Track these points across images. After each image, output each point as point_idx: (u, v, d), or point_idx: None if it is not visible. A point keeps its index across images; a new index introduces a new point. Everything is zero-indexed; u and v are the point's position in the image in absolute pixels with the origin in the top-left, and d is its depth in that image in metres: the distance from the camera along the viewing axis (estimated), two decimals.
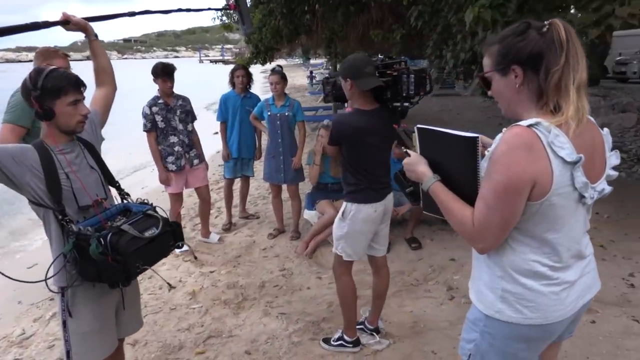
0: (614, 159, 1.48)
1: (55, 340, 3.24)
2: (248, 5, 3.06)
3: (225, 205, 5.42)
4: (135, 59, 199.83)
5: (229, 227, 5.27)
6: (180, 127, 4.40)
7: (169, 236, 2.02)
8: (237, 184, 5.55)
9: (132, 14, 2.43)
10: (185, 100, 4.53)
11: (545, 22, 1.33)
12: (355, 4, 8.97)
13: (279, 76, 4.54)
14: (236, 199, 5.71)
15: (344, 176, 2.82)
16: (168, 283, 2.21)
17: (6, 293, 4.02)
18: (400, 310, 3.39)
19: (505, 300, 1.43)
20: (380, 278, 3.02)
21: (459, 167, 1.47)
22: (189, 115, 4.51)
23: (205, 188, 4.77)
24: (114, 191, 2.12)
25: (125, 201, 2.11)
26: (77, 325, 1.94)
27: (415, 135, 1.60)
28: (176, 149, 4.40)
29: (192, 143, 4.56)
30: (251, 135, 5.14)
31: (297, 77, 31.38)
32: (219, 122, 5.16)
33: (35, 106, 1.78)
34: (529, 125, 1.29)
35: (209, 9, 2.70)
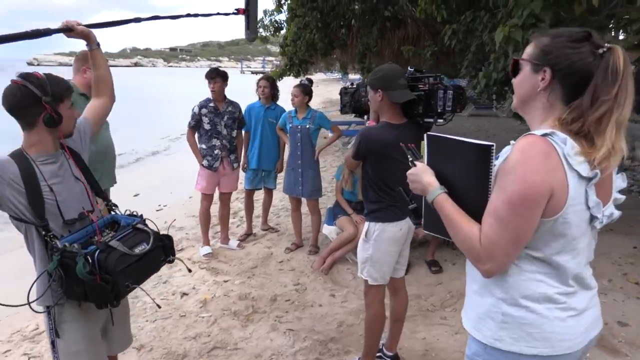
0: (620, 181, 1.37)
1: None
2: (258, 13, 2.99)
3: (246, 216, 5.41)
4: (179, 67, 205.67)
5: (246, 237, 5.25)
6: (225, 132, 4.60)
7: (160, 251, 1.95)
8: (261, 195, 5.55)
9: (138, 20, 2.31)
10: (235, 106, 4.71)
11: (606, 45, 1.21)
12: (392, 20, 8.94)
13: (299, 89, 4.57)
14: (259, 210, 5.70)
15: (366, 194, 2.67)
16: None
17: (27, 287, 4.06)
18: (412, 336, 3.25)
19: (506, 326, 1.32)
20: (399, 300, 2.87)
21: (469, 179, 1.36)
22: (236, 122, 4.68)
23: (230, 195, 4.93)
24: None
25: (112, 213, 2.05)
26: (66, 345, 1.88)
27: (424, 143, 1.48)
28: (216, 152, 4.60)
29: (235, 148, 4.73)
30: (273, 147, 5.10)
31: (334, 92, 31.45)
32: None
33: (49, 111, 1.71)
34: (544, 135, 1.20)
35: (218, 13, 2.67)
